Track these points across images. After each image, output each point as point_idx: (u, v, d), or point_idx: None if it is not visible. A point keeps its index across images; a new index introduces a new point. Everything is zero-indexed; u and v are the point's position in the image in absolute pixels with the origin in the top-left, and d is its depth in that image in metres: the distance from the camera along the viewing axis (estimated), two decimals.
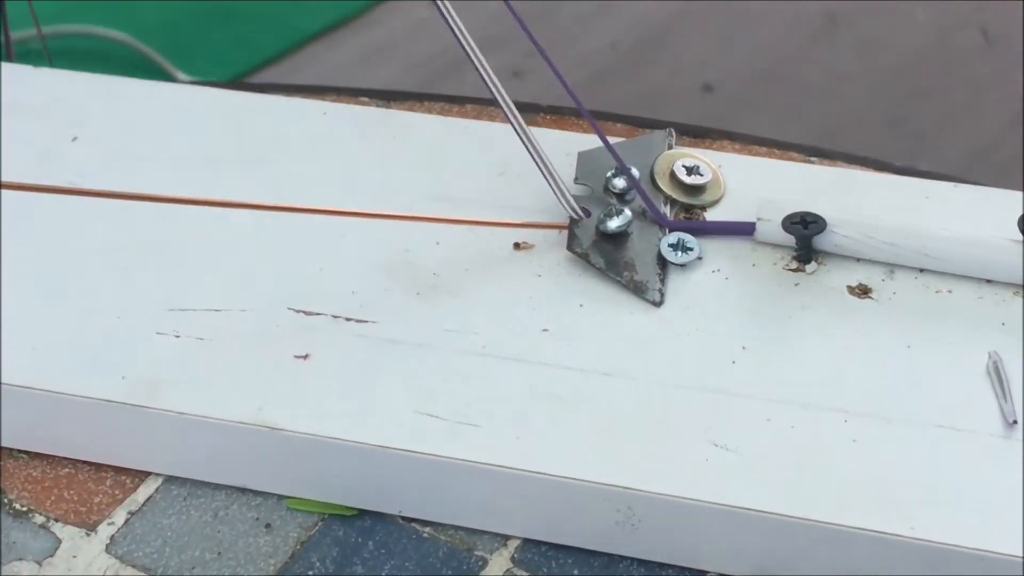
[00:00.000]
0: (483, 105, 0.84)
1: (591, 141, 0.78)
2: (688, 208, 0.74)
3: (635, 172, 0.74)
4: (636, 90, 1.98)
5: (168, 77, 1.78)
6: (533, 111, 0.84)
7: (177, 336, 0.69)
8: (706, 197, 0.75)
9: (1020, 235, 0.69)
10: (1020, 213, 0.70)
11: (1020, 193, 0.74)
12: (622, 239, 0.72)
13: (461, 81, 1.96)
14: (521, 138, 0.71)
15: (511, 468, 0.64)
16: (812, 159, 0.80)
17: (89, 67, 0.83)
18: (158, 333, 0.69)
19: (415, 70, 1.99)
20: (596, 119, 0.83)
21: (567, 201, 0.72)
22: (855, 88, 1.98)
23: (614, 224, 0.72)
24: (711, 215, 0.74)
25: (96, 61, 1.75)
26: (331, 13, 1.97)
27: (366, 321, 0.70)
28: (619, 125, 0.83)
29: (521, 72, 2.01)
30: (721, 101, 1.97)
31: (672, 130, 0.78)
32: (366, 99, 0.84)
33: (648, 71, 2.00)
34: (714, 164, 0.76)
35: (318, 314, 0.70)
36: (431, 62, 2.00)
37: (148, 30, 1.85)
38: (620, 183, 0.73)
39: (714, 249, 0.72)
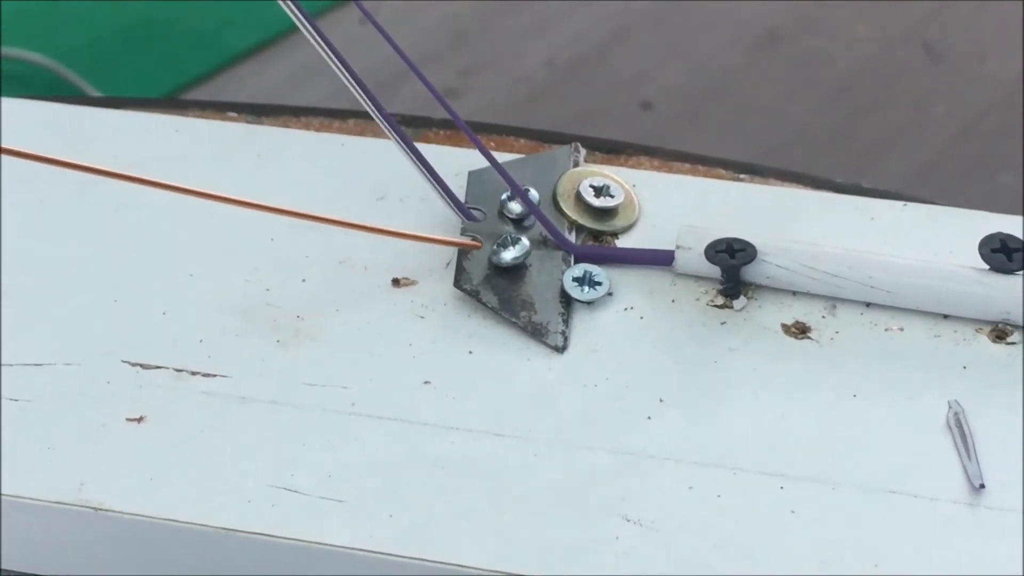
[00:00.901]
0: (368, 120, 0.72)
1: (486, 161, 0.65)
2: (597, 235, 0.62)
3: (534, 194, 0.61)
4: (573, 109, 1.87)
5: None
6: (423, 125, 0.71)
7: None
8: (618, 222, 0.62)
9: (981, 261, 0.58)
10: (981, 236, 0.58)
11: (979, 213, 0.62)
12: (519, 273, 0.60)
13: (397, 98, 1.85)
14: (401, 146, 0.58)
15: (383, 553, 0.52)
16: (741, 176, 0.68)
17: (5, 91, 0.71)
18: None
19: (347, 89, 1.87)
20: (494, 133, 0.71)
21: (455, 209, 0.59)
22: (797, 104, 1.88)
23: (509, 255, 0.59)
24: (623, 242, 0.62)
25: (13, 84, 1.65)
26: (261, 31, 1.86)
27: (214, 375, 0.57)
28: (522, 140, 0.70)
29: (456, 91, 1.89)
30: (660, 119, 1.87)
31: (578, 145, 0.66)
32: (234, 114, 0.71)
33: (585, 89, 1.90)
34: (627, 184, 0.64)
35: (158, 367, 0.57)
36: (364, 79, 1.88)
37: (69, 51, 1.75)
38: (516, 207, 0.61)
39: (627, 283, 0.60)
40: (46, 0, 1.78)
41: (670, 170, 0.68)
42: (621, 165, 0.68)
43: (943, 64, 1.94)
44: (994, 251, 0.57)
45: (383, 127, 0.59)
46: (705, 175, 0.68)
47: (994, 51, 1.93)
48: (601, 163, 0.68)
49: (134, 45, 1.81)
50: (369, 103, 0.58)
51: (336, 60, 0.58)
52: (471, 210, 0.61)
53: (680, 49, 1.95)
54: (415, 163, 0.59)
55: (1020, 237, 0.58)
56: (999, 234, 0.58)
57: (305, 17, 0.56)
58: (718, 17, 2.00)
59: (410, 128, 0.70)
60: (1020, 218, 0.61)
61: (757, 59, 1.95)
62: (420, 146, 0.66)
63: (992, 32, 1.96)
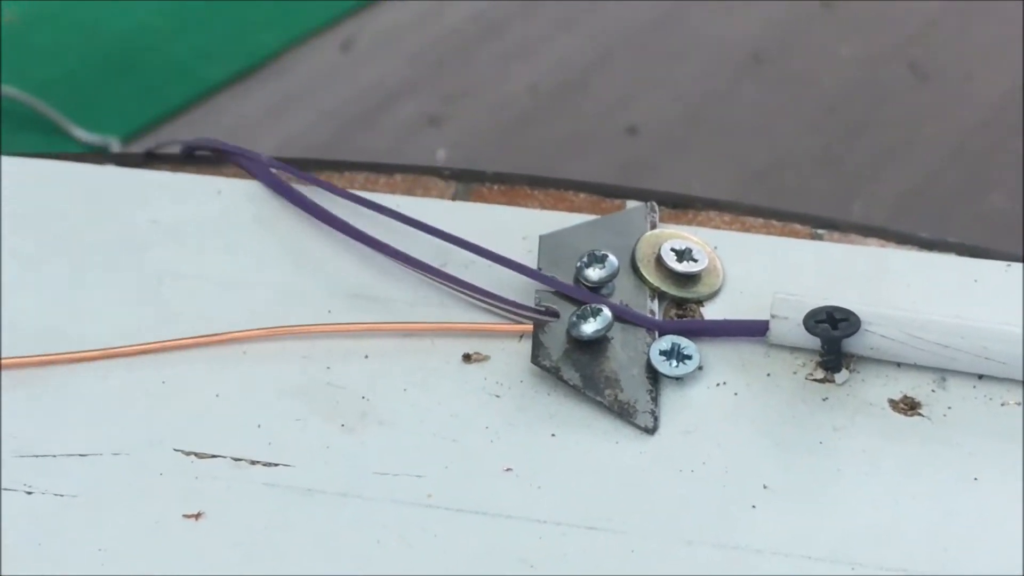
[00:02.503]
0: (416, 174, 0.67)
1: (552, 220, 0.60)
2: (681, 303, 0.57)
3: (613, 260, 0.56)
4: (558, 134, 1.83)
5: (65, 134, 1.62)
6: (475, 179, 0.66)
7: (29, 492, 0.51)
8: (702, 288, 0.57)
9: None
10: None
11: None
12: (601, 347, 0.55)
13: (376, 130, 1.80)
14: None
15: None
16: (820, 232, 0.63)
17: None
18: (3, 488, 0.51)
19: (327, 119, 1.82)
20: (551, 187, 0.66)
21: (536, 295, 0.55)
22: (784, 127, 1.84)
23: (590, 328, 0.54)
24: (708, 312, 0.57)
25: None
26: (239, 61, 1.82)
27: (276, 464, 0.52)
28: (582, 195, 0.65)
29: (438, 119, 1.85)
30: (646, 144, 1.83)
31: (655, 204, 0.61)
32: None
33: (570, 114, 1.85)
34: (708, 246, 0.59)
35: (214, 456, 0.52)
36: (344, 109, 1.83)
37: (44, 85, 1.69)
38: (595, 274, 0.56)
39: (717, 355, 0.55)
40: (20, 33, 1.73)
41: (743, 226, 0.63)
42: (690, 221, 0.63)
43: (930, 84, 1.90)
44: None
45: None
46: (781, 231, 0.63)
47: (980, 69, 1.90)
48: (668, 219, 0.63)
49: (110, 77, 1.76)
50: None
51: None
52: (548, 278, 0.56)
53: (664, 73, 1.91)
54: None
55: None
56: None
57: None
58: (702, 40, 1.96)
59: (461, 183, 0.65)
60: None
61: (742, 82, 1.91)
62: (475, 205, 0.61)
63: (977, 50, 1.93)
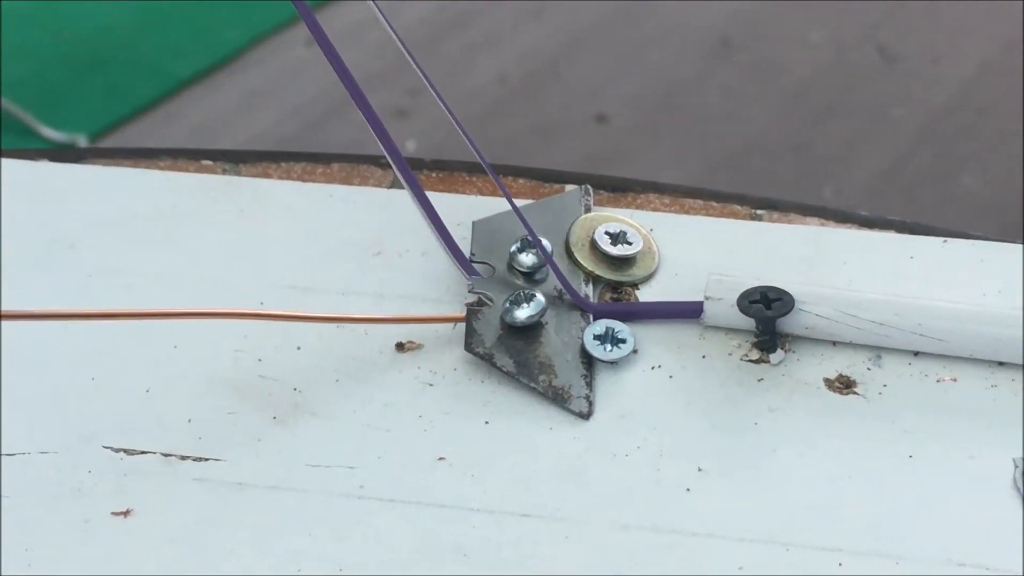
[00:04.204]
0: (353, 163, 0.66)
1: (488, 206, 0.60)
2: (616, 287, 0.57)
3: (546, 244, 0.56)
4: (527, 124, 1.82)
5: (33, 133, 1.61)
6: (415, 167, 0.65)
7: None
8: (637, 271, 0.57)
9: None
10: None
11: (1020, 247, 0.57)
12: (535, 332, 0.54)
13: (343, 123, 1.80)
14: (414, 198, 0.53)
15: None
16: (759, 212, 0.63)
17: None
18: None
19: (295, 113, 1.81)
20: (507, 175, 0.65)
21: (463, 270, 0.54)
22: (754, 112, 1.84)
23: (523, 314, 0.54)
24: (644, 294, 0.57)
25: None
26: (206, 58, 1.81)
27: (206, 459, 0.51)
28: (521, 181, 0.65)
29: (406, 111, 1.84)
30: (616, 131, 1.83)
31: (589, 187, 0.60)
32: (209, 162, 0.65)
33: (539, 104, 1.85)
34: (644, 228, 0.58)
35: (143, 452, 0.51)
36: (311, 104, 1.83)
37: (11, 84, 1.68)
38: (528, 259, 0.56)
39: (652, 338, 0.55)
40: None
41: (682, 208, 0.62)
42: (629, 204, 0.62)
43: (898, 66, 1.90)
44: None
45: (397, 173, 0.53)
46: (720, 212, 0.62)
47: (947, 51, 1.90)
48: (607, 202, 0.62)
49: (78, 76, 1.76)
50: (385, 145, 0.52)
51: (358, 95, 0.51)
52: (478, 265, 0.56)
53: (633, 60, 1.91)
54: (425, 215, 0.53)
55: None
56: None
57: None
58: (670, 27, 1.95)
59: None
60: None
61: (711, 68, 1.90)
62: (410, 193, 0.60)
63: (944, 32, 1.93)
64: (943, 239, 0.58)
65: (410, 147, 1.79)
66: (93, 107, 1.74)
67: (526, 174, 0.65)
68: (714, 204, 0.63)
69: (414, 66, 0.54)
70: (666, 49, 1.95)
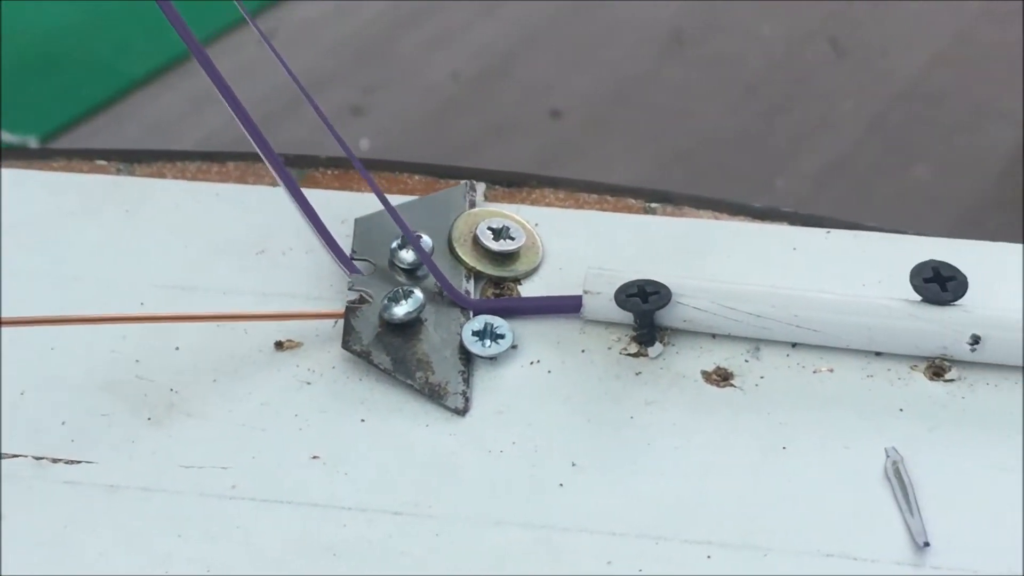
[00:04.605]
0: (249, 162, 0.65)
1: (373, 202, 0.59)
2: (498, 282, 0.56)
3: (427, 240, 0.56)
4: (481, 121, 1.82)
5: None
6: (309, 165, 0.65)
7: None
8: (520, 266, 0.57)
9: (914, 292, 0.52)
10: (910, 262, 0.53)
11: (907, 238, 0.57)
12: (413, 329, 0.54)
13: (297, 122, 1.79)
14: (288, 192, 0.52)
15: None
16: (653, 206, 0.62)
17: None
18: None
19: (249, 112, 1.81)
20: (386, 170, 0.65)
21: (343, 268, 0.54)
22: (706, 107, 1.84)
23: (401, 311, 0.53)
24: (527, 289, 0.56)
25: None
26: (158, 57, 1.80)
27: (79, 462, 0.51)
28: (416, 177, 0.64)
29: (361, 108, 1.83)
30: (570, 127, 1.82)
31: (473, 183, 0.60)
32: (103, 162, 0.65)
33: (493, 100, 1.85)
34: (529, 223, 0.58)
35: (15, 456, 0.51)
36: (266, 102, 1.82)
37: None
38: (408, 256, 0.55)
39: (533, 333, 0.54)
40: None
41: (576, 202, 0.62)
42: (524, 199, 0.62)
43: (849, 59, 1.90)
44: (927, 281, 0.52)
45: (271, 170, 0.52)
46: (615, 206, 0.62)
47: (897, 44, 1.90)
48: (502, 198, 0.62)
49: (29, 77, 1.75)
50: (257, 141, 0.52)
51: (225, 91, 0.51)
52: (360, 262, 0.55)
53: (587, 56, 1.91)
54: (301, 211, 0.53)
55: (952, 263, 0.53)
56: (931, 262, 0.53)
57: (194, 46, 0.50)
58: (623, 22, 1.95)
59: (295, 168, 0.64)
60: (951, 241, 0.56)
61: (664, 63, 1.90)
62: (306, 191, 0.60)
63: (895, 25, 1.93)
64: (827, 230, 0.58)
65: (364, 145, 1.79)
66: (46, 108, 1.73)
67: (421, 170, 0.65)
68: (609, 198, 0.63)
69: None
70: (619, 44, 1.94)
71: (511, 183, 0.63)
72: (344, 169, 0.65)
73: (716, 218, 0.61)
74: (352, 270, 0.54)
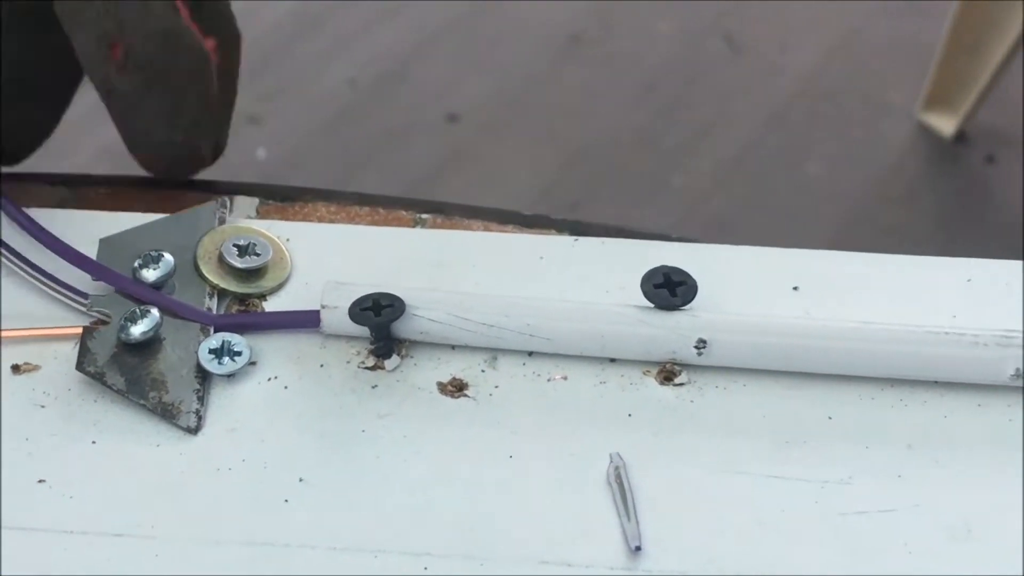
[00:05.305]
0: (22, 182, 0.65)
1: (134, 221, 0.59)
2: (243, 299, 0.56)
3: (169, 259, 0.55)
4: (378, 126, 1.82)
5: None
6: (85, 184, 0.65)
7: None
8: (266, 282, 0.57)
9: (645, 299, 0.53)
10: (647, 270, 0.53)
11: (651, 244, 0.58)
12: (151, 349, 0.54)
13: None
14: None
15: None
16: (424, 217, 0.62)
17: None
18: None
19: None
20: (163, 188, 0.65)
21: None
22: (604, 106, 1.84)
23: (138, 330, 0.53)
24: (272, 305, 0.56)
25: None
26: None
27: None
28: (189, 194, 0.64)
29: (258, 116, 1.83)
30: (468, 130, 1.83)
31: (226, 200, 0.60)
32: None
33: (390, 106, 1.85)
34: (280, 239, 0.58)
35: None
36: None
37: None
38: (151, 274, 0.55)
39: (274, 350, 0.54)
40: None
41: (348, 216, 0.62)
42: (295, 214, 0.62)
43: (745, 56, 1.91)
44: (657, 287, 0.53)
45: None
46: (385, 218, 0.62)
47: (793, 40, 1.92)
48: (274, 213, 0.62)
49: None
50: None
51: None
52: (100, 282, 0.55)
53: (484, 59, 1.91)
54: (37, 237, 0.52)
55: (686, 268, 0.53)
56: (662, 268, 0.53)
57: None
58: (520, 25, 1.95)
59: (70, 188, 0.64)
60: (687, 245, 0.57)
61: (562, 64, 1.91)
62: (73, 211, 0.60)
63: (790, 21, 1.94)
64: (575, 238, 0.58)
65: (261, 155, 1.78)
66: None
67: (195, 186, 0.65)
68: (380, 211, 0.63)
69: None
70: (516, 46, 1.95)
71: (285, 198, 0.63)
72: (118, 188, 0.65)
73: (486, 228, 0.61)
74: (80, 295, 0.54)
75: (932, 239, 1.68)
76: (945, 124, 1.75)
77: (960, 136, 1.76)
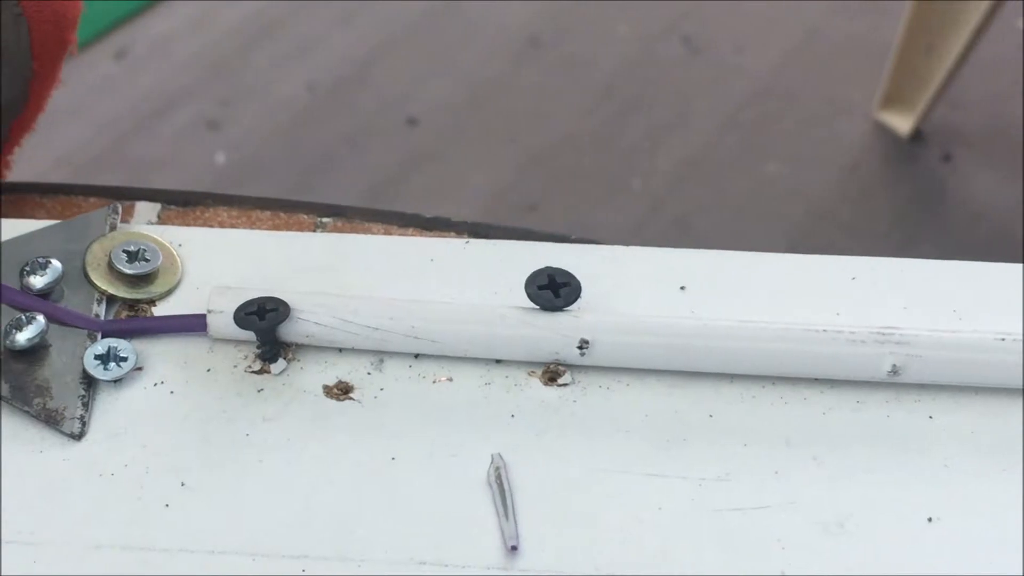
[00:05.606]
0: None
1: (30, 228, 0.59)
2: (133, 305, 0.56)
3: (57, 265, 0.56)
4: (338, 131, 1.82)
5: None
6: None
7: None
8: (155, 288, 0.57)
9: (529, 301, 0.53)
10: (531, 271, 0.54)
11: (540, 245, 0.58)
12: (38, 355, 0.54)
13: (153, 137, 1.78)
14: None
15: None
16: (325, 221, 0.63)
17: None
18: None
19: (104, 130, 1.80)
20: (62, 194, 0.65)
21: None
22: (563, 108, 1.85)
23: (23, 337, 0.53)
24: (161, 310, 0.56)
25: None
26: None
27: None
28: (92, 200, 0.64)
29: (216, 122, 1.83)
30: (427, 134, 1.83)
31: (117, 206, 0.60)
32: None
33: (349, 110, 1.85)
34: (173, 244, 0.58)
35: None
36: (121, 119, 1.81)
37: None
38: (38, 281, 0.55)
39: (161, 355, 0.55)
40: None
41: (249, 220, 0.62)
42: (196, 219, 0.62)
43: (702, 57, 1.92)
44: (541, 288, 0.53)
45: None
46: (286, 222, 0.63)
47: (750, 42, 1.92)
48: (175, 218, 0.62)
49: None
50: None
51: None
52: None
53: (443, 63, 1.91)
54: None
55: (570, 269, 0.53)
56: (547, 269, 0.53)
57: None
58: (479, 28, 1.96)
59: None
60: (578, 247, 0.57)
61: (521, 66, 1.91)
62: None
63: (747, 22, 1.95)
64: (466, 240, 0.58)
65: (220, 159, 1.78)
66: None
67: (95, 192, 0.65)
68: (281, 215, 0.63)
69: None
70: (475, 50, 1.95)
71: (186, 203, 0.63)
72: (20, 194, 0.65)
73: (386, 232, 0.62)
74: None
75: (890, 237, 1.69)
76: (902, 123, 1.76)
77: (917, 135, 1.76)
